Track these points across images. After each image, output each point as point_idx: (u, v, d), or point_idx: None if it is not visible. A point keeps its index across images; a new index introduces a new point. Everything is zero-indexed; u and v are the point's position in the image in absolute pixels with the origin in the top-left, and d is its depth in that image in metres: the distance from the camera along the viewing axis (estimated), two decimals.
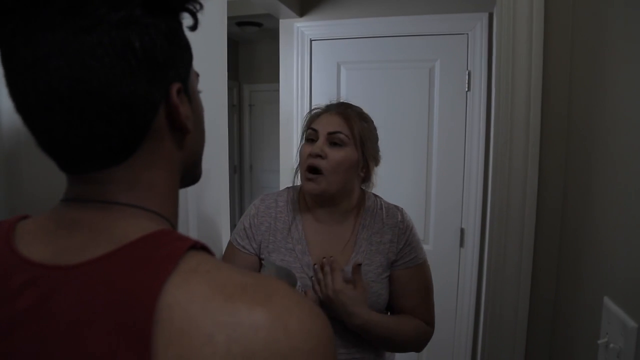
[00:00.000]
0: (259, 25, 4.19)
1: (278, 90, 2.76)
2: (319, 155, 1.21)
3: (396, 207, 1.35)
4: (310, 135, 1.26)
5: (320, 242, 1.28)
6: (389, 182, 2.56)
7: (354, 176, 1.27)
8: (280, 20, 2.69)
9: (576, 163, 1.24)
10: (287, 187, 1.40)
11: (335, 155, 1.21)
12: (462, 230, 2.51)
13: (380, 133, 2.53)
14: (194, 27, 0.55)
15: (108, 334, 0.39)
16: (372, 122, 1.33)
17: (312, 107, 1.35)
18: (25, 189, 0.95)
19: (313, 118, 1.30)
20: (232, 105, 5.06)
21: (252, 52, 5.16)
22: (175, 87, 0.50)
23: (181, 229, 1.31)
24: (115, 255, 0.44)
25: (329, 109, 1.29)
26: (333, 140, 1.22)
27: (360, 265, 1.19)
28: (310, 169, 1.22)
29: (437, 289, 2.52)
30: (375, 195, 1.37)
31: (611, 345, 0.89)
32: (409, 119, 2.54)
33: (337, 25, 2.59)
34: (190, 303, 0.40)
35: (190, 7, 0.52)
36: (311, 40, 2.66)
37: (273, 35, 2.93)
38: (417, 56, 2.51)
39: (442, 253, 2.53)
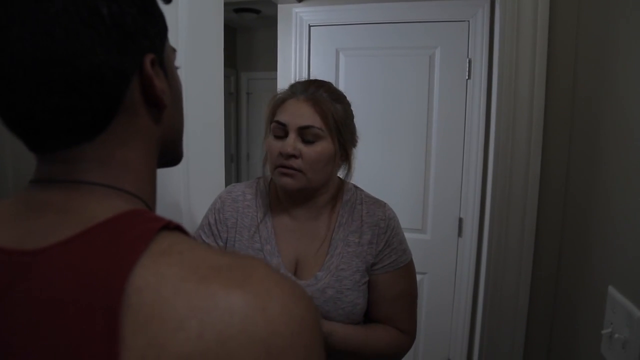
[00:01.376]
0: (257, 12, 4.13)
1: (276, 79, 2.72)
2: (292, 156, 1.05)
3: (379, 202, 1.19)
4: (276, 130, 1.08)
5: (292, 242, 1.14)
6: (388, 170, 2.55)
7: (334, 169, 1.13)
8: (279, 5, 2.65)
9: (580, 148, 1.22)
10: (258, 177, 1.25)
11: (311, 152, 1.05)
12: (460, 220, 2.49)
13: (379, 121, 2.51)
14: (168, 0, 0.53)
15: (75, 321, 0.36)
16: (345, 98, 1.15)
17: (276, 93, 1.15)
18: (10, 174, 0.93)
19: (277, 105, 1.11)
20: (230, 94, 5.02)
21: (250, 39, 5.11)
22: (149, 57, 0.48)
23: (175, 217, 1.28)
24: (83, 237, 0.41)
25: (295, 91, 1.10)
26: (306, 137, 1.06)
27: None
28: (283, 168, 1.07)
29: (435, 278, 2.53)
30: (356, 187, 1.22)
31: (616, 335, 0.87)
32: (409, 106, 2.51)
33: (337, 10, 2.54)
34: (161, 286, 0.38)
35: None
36: (310, 26, 2.62)
37: (271, 23, 2.88)
38: (417, 43, 2.47)
39: (440, 242, 2.52)
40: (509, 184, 1.36)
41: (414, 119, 2.51)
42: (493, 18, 2.31)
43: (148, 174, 0.52)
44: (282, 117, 1.08)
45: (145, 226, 0.42)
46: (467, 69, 2.40)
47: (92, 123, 0.46)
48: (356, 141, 1.17)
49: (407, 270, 1.17)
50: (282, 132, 1.07)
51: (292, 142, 1.05)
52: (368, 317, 1.18)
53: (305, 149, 1.05)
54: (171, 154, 0.60)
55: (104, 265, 0.38)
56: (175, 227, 0.44)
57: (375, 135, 2.50)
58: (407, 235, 1.22)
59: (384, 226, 1.14)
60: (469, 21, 2.38)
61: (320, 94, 1.08)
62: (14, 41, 0.41)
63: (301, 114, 1.06)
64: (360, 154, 1.20)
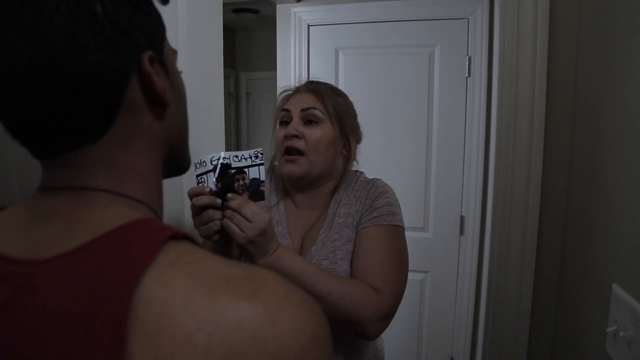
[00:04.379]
0: (255, 12, 4.12)
1: (276, 78, 2.72)
2: (295, 136, 1.13)
3: (375, 179, 1.24)
4: (283, 117, 1.20)
5: (300, 226, 1.21)
6: (389, 169, 2.54)
7: (336, 155, 1.19)
8: (277, 5, 2.64)
9: (583, 144, 1.21)
10: (272, 164, 1.32)
11: (313, 133, 1.13)
12: (462, 218, 2.48)
13: (379, 119, 2.51)
14: (165, 0, 0.52)
15: (81, 333, 0.36)
16: (347, 96, 1.26)
17: (281, 90, 1.28)
18: (14, 183, 0.92)
19: (284, 100, 1.23)
20: (229, 94, 5.01)
21: (250, 39, 5.10)
22: (147, 55, 0.47)
23: (176, 217, 1.28)
24: (90, 248, 0.41)
25: (299, 89, 1.23)
26: (308, 118, 1.15)
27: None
28: (288, 152, 1.15)
29: (437, 276, 2.52)
30: (356, 171, 1.28)
31: (621, 333, 0.87)
32: (409, 105, 2.50)
33: (335, 9, 2.54)
34: (169, 299, 0.37)
35: None
36: (309, 26, 2.61)
37: (270, 22, 2.88)
38: (416, 41, 2.47)
39: (441, 241, 2.51)
40: (510, 181, 1.36)
41: (414, 117, 2.50)
42: (492, 15, 2.30)
43: (153, 178, 0.52)
44: (287, 105, 1.20)
45: (153, 236, 0.42)
46: (467, 67, 2.39)
47: (94, 124, 0.45)
48: (360, 137, 1.27)
49: (392, 232, 1.12)
50: (287, 118, 1.18)
51: (295, 124, 1.15)
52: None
53: (307, 131, 1.14)
54: (177, 158, 0.59)
55: (111, 277, 0.38)
56: (183, 237, 0.44)
57: (375, 133, 2.49)
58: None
59: (371, 194, 1.17)
60: (468, 19, 2.37)
61: (321, 87, 1.21)
62: (10, 44, 0.40)
63: (303, 101, 1.18)
64: (361, 152, 1.27)
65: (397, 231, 1.13)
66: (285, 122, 1.18)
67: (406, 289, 1.13)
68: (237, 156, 1.00)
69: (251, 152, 1.01)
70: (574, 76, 1.27)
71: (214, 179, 0.98)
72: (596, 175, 1.10)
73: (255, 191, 1.01)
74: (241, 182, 1.00)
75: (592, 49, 1.16)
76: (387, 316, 1.04)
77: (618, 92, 0.98)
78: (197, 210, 0.98)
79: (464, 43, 2.39)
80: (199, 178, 0.99)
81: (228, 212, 0.95)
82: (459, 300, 2.51)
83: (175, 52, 0.57)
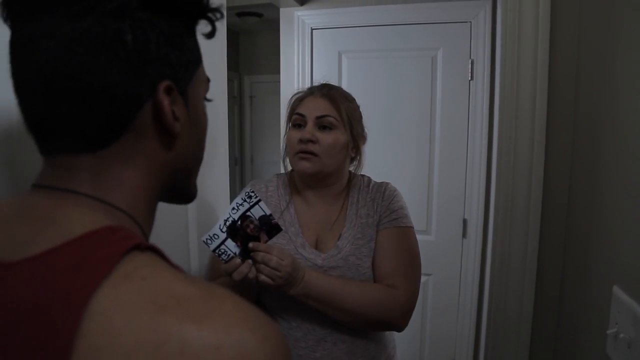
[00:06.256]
0: (259, 15, 4.15)
1: (279, 82, 2.73)
2: (310, 140, 1.20)
3: (384, 182, 1.34)
4: (297, 120, 1.25)
5: (312, 224, 1.28)
6: (392, 172, 2.54)
7: (347, 158, 1.28)
8: (281, 9, 2.66)
9: (583, 148, 1.22)
10: (276, 174, 1.40)
11: (327, 138, 1.20)
12: (464, 221, 2.49)
13: (382, 123, 2.52)
14: (210, 35, 0.54)
15: (32, 341, 0.36)
16: (355, 100, 1.32)
17: (295, 92, 1.33)
18: (20, 178, 0.93)
19: (297, 102, 1.28)
20: (233, 97, 5.03)
21: (253, 43, 5.12)
22: (164, 84, 0.49)
23: (181, 221, 1.29)
24: (55, 253, 0.40)
25: (313, 91, 1.28)
26: (322, 124, 1.21)
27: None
28: (302, 153, 1.22)
29: (440, 279, 2.53)
30: (363, 175, 1.37)
31: (621, 335, 0.87)
32: (411, 108, 2.51)
33: (339, 13, 2.55)
34: (115, 314, 0.36)
35: (210, 15, 0.52)
36: (312, 29, 2.62)
37: (274, 26, 2.90)
38: (419, 45, 2.48)
39: (444, 244, 2.51)
40: (512, 184, 1.36)
41: (417, 120, 2.51)
42: (495, 18, 2.30)
43: (144, 193, 0.52)
44: (301, 109, 1.24)
45: (115, 246, 0.41)
46: (470, 70, 2.40)
47: (97, 137, 0.47)
48: (365, 138, 1.33)
49: (407, 233, 1.26)
50: (301, 121, 1.23)
51: (310, 129, 1.20)
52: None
53: (321, 136, 1.20)
54: (181, 186, 0.59)
55: (67, 287, 0.38)
56: (147, 248, 0.43)
57: (378, 136, 2.50)
58: None
59: (384, 196, 1.28)
60: (471, 22, 2.38)
61: (335, 92, 1.27)
62: (42, 52, 0.44)
63: (318, 107, 1.23)
64: (364, 155, 1.30)
65: (412, 232, 1.27)
66: (298, 125, 1.24)
67: None
68: (234, 208, 1.03)
69: (243, 196, 1.03)
70: (575, 80, 1.28)
71: (234, 243, 1.02)
72: (597, 178, 1.10)
73: (269, 227, 1.04)
74: (252, 226, 1.04)
75: (593, 52, 1.17)
76: (409, 310, 1.20)
77: (619, 95, 0.99)
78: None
79: (466, 46, 2.40)
80: (217, 251, 1.01)
81: (257, 266, 1.03)
82: (462, 303, 2.51)
83: (207, 81, 0.59)
